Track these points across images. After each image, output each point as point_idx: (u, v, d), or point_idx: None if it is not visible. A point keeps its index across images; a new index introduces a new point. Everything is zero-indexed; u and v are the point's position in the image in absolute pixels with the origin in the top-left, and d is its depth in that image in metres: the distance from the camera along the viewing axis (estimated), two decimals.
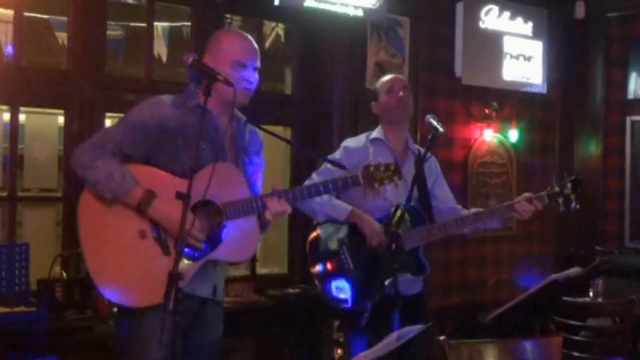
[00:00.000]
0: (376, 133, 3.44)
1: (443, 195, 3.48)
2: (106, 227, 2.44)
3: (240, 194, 2.54)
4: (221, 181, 2.42)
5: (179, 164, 2.48)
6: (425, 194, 3.33)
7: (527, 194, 3.30)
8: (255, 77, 2.61)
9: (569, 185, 3.28)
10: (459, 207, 3.49)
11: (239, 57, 2.55)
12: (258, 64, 2.63)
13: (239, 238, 2.53)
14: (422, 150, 3.43)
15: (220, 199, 2.48)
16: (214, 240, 2.50)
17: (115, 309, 2.82)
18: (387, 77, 3.47)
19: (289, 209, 2.57)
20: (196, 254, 2.47)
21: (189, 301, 2.45)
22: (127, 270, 2.42)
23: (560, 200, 3.28)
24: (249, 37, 2.68)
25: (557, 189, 3.28)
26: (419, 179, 3.17)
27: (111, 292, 2.43)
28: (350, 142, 3.46)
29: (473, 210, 3.41)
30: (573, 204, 3.28)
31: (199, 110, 2.49)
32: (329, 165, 3.22)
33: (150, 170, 2.48)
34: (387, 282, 3.01)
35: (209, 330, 2.64)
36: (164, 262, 2.41)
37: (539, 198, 3.27)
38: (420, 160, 3.21)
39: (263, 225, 2.66)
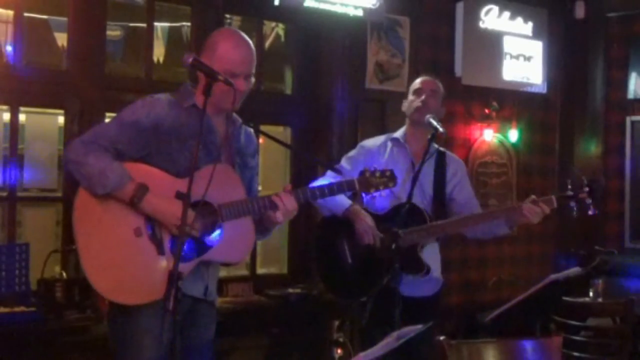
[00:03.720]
0: (398, 133, 3.48)
1: (464, 199, 3.41)
2: (101, 225, 2.44)
3: (236, 195, 2.54)
4: (217, 182, 2.42)
5: (173, 164, 2.48)
6: (441, 196, 3.34)
7: (533, 197, 3.09)
8: (245, 84, 2.54)
9: (586, 189, 3.03)
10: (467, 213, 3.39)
11: (231, 67, 2.48)
12: (252, 70, 2.57)
13: (233, 239, 2.53)
14: (443, 150, 3.45)
15: (215, 199, 2.47)
16: (207, 240, 2.50)
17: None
18: (421, 78, 3.51)
19: (297, 206, 2.57)
20: (189, 254, 2.46)
21: (181, 301, 2.44)
22: (121, 268, 2.42)
23: (574, 205, 3.04)
24: (246, 41, 2.59)
25: (570, 192, 3.05)
26: (436, 182, 3.20)
27: (105, 290, 2.43)
28: (368, 142, 3.53)
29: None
30: (591, 211, 3.00)
31: (194, 110, 2.51)
32: (343, 164, 3.34)
33: (144, 168, 2.48)
34: (384, 280, 3.03)
35: (202, 330, 2.64)
36: (158, 261, 2.42)
37: (547, 201, 3.06)
38: (441, 161, 3.30)
39: (266, 228, 2.67)
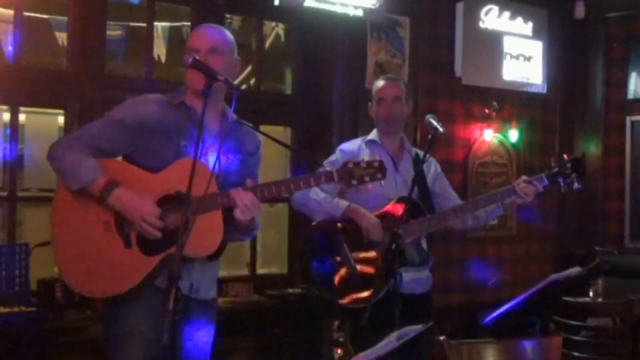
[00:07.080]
0: (372, 135, 3.48)
1: (444, 192, 3.49)
2: (75, 219, 2.54)
3: (206, 189, 2.49)
4: (189, 176, 2.40)
5: (160, 160, 2.51)
6: (426, 192, 3.34)
7: (524, 176, 3.24)
8: (208, 57, 2.52)
9: (568, 165, 3.19)
10: (463, 202, 3.45)
11: (191, 45, 2.58)
12: (216, 46, 2.58)
13: (202, 233, 2.51)
14: (419, 151, 3.48)
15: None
16: (176, 234, 2.48)
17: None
18: (380, 84, 3.45)
19: (256, 202, 2.46)
20: (156, 248, 2.47)
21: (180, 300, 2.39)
22: (90, 261, 2.50)
23: (561, 180, 3.19)
24: (211, 25, 2.69)
25: (556, 169, 3.20)
26: (419, 178, 3.18)
27: (74, 283, 2.53)
28: (346, 145, 3.50)
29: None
30: (576, 185, 3.18)
31: (182, 107, 2.58)
32: (327, 169, 3.20)
33: (122, 165, 2.56)
34: (391, 283, 3.01)
35: (197, 331, 2.62)
36: (126, 254, 2.47)
37: (539, 179, 3.20)
38: (418, 160, 3.24)
39: (248, 228, 2.58)
